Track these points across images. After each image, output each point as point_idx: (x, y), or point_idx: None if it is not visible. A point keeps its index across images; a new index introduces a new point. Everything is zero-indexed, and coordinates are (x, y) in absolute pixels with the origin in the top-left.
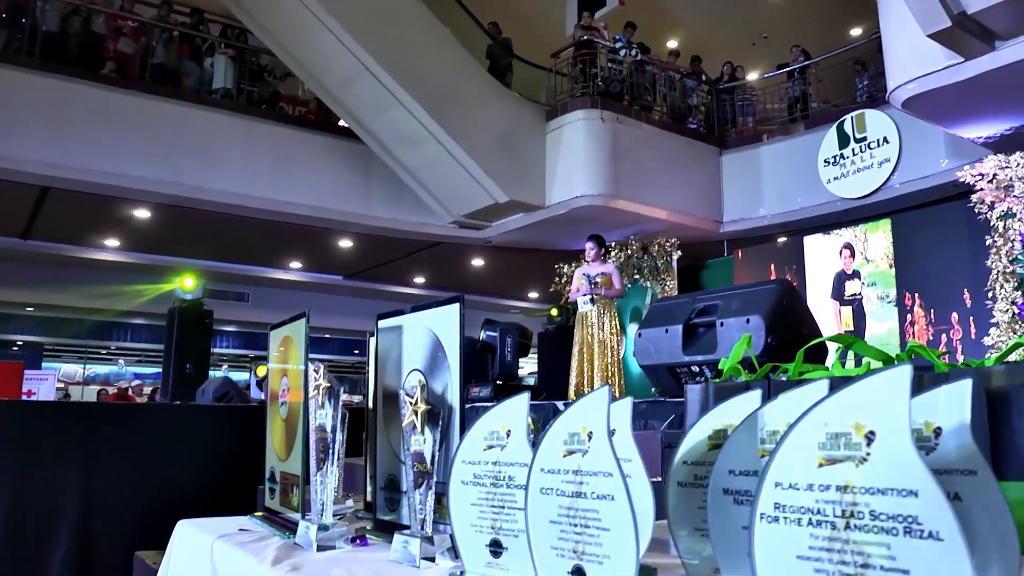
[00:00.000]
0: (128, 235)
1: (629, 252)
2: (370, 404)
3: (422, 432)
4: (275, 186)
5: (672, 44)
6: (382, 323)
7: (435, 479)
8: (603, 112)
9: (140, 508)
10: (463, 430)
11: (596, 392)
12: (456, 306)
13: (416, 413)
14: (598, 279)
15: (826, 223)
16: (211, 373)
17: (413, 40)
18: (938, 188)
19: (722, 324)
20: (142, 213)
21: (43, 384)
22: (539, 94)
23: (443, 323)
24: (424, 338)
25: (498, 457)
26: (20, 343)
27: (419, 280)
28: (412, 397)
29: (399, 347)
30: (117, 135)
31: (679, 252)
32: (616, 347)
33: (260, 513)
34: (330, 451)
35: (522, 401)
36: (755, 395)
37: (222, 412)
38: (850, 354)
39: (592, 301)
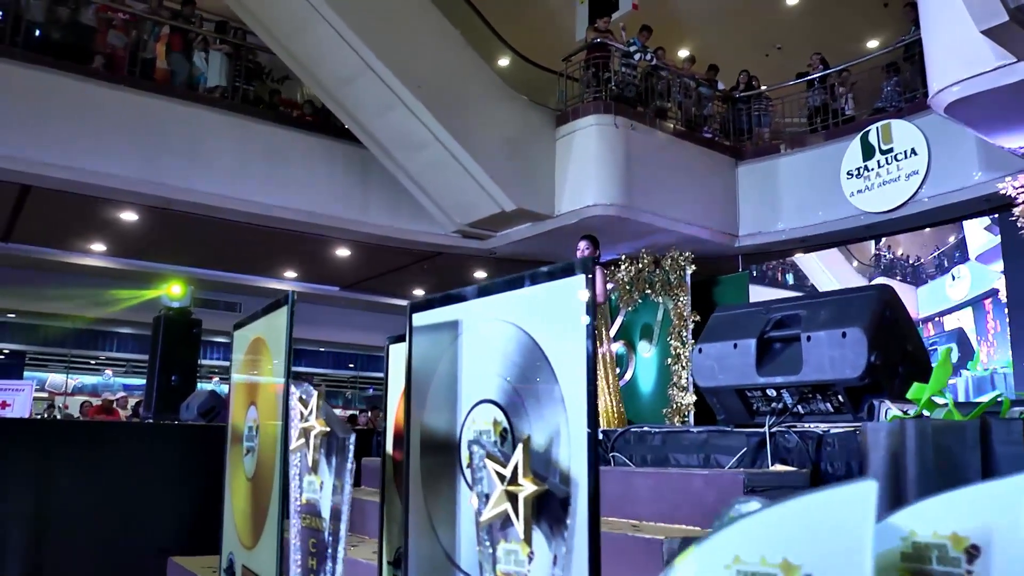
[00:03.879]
0: (114, 239)
1: (640, 266)
2: (388, 448)
3: (526, 540)
4: (268, 189)
5: (683, 54)
6: (421, 317)
7: None
8: (617, 117)
9: (102, 541)
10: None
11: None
12: (579, 278)
13: (512, 501)
14: None
15: (849, 238)
16: (199, 385)
17: (418, 38)
18: (970, 202)
19: (809, 338)
20: (128, 216)
21: (19, 395)
22: (548, 99)
23: (548, 315)
24: (507, 344)
25: None
26: (6, 352)
27: (418, 292)
28: (496, 459)
29: (452, 360)
30: (102, 132)
31: (693, 266)
32: (610, 362)
33: None
34: (327, 552)
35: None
36: None
37: (201, 432)
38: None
39: None
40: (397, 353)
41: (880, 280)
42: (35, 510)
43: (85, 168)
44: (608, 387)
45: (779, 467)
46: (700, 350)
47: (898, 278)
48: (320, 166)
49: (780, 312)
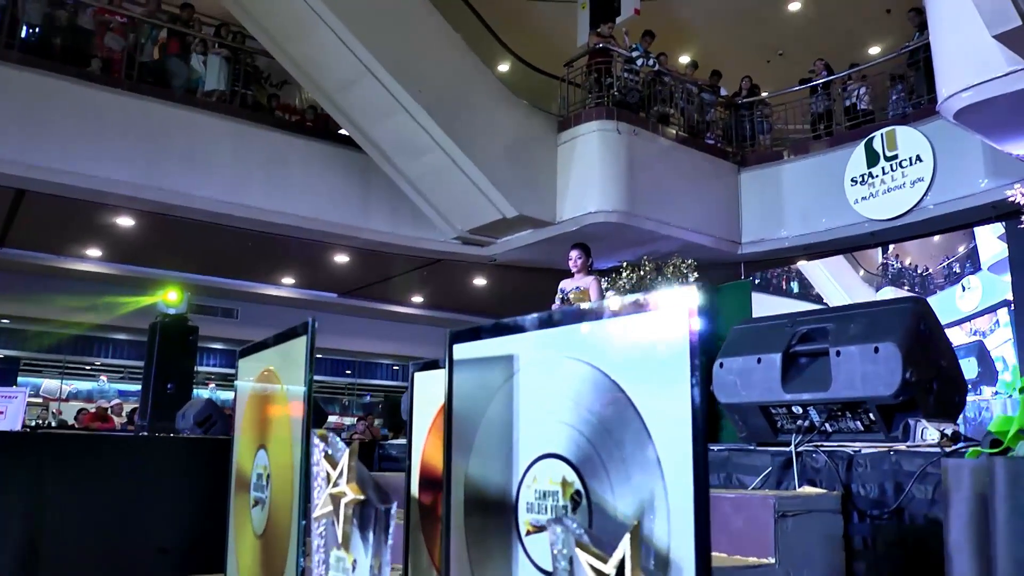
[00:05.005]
0: (110, 244)
1: (642, 273)
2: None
3: None
4: (267, 195)
5: (685, 60)
6: (465, 349)
7: None
8: (619, 123)
9: (95, 564)
10: None
11: None
12: (682, 308)
13: None
14: (571, 295)
15: (853, 245)
16: (195, 392)
17: (420, 42)
18: (977, 209)
19: (838, 353)
20: (125, 221)
21: (11, 403)
22: (550, 105)
23: (638, 354)
24: (579, 387)
25: None
26: (5, 357)
27: (417, 299)
28: (589, 549)
29: (506, 403)
30: (99, 136)
31: (695, 274)
32: None
33: None
34: None
35: None
36: None
37: (198, 446)
38: None
39: None
40: (424, 382)
41: (887, 290)
42: (24, 529)
43: (81, 172)
44: None
45: (808, 489)
46: (721, 364)
47: (906, 288)
48: (319, 171)
49: (806, 325)
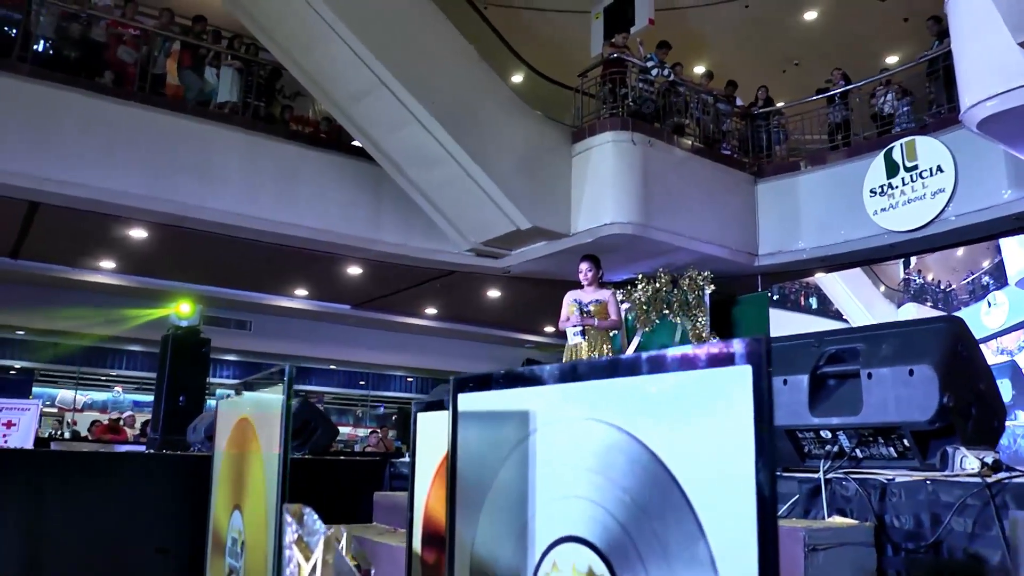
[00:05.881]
0: (124, 256)
1: (658, 285)
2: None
3: None
4: (278, 207)
5: (700, 70)
6: (471, 400)
7: None
8: (634, 134)
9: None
10: None
11: None
12: (744, 369)
13: None
14: (591, 307)
15: (872, 257)
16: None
17: (432, 53)
18: (999, 221)
19: (870, 376)
20: (137, 232)
21: (24, 415)
22: (563, 115)
23: (684, 423)
24: (610, 459)
25: None
26: (15, 369)
27: (431, 311)
28: None
29: (520, 469)
30: (111, 148)
31: (712, 286)
32: None
33: None
34: None
35: None
36: None
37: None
38: None
39: (583, 333)
40: (427, 424)
41: (910, 306)
42: (29, 548)
43: (92, 184)
44: None
45: (838, 519)
46: None
47: (928, 304)
48: (332, 183)
49: (835, 345)
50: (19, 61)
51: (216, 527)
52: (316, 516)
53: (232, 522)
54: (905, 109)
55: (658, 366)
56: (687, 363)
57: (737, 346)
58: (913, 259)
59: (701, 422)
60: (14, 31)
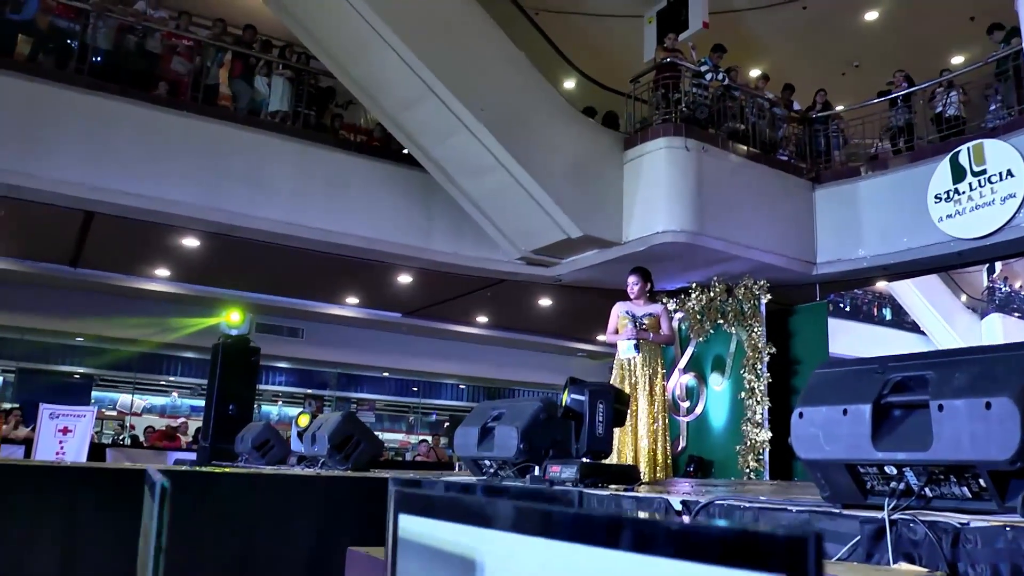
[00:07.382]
0: (177, 264)
1: (712, 294)
2: None
3: None
4: (328, 215)
5: (756, 73)
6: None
7: None
8: (688, 140)
9: None
10: None
11: None
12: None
13: None
14: (645, 321)
15: (937, 265)
16: (261, 409)
17: (482, 60)
18: None
19: (941, 407)
20: (190, 241)
21: (80, 421)
22: (615, 123)
23: None
24: None
25: None
26: (79, 374)
27: (482, 320)
28: None
29: None
30: (162, 157)
31: (768, 295)
32: (661, 403)
33: None
34: None
35: None
36: None
37: (245, 483)
38: None
39: (637, 347)
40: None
41: (994, 316)
42: (62, 567)
43: (145, 194)
44: (657, 431)
45: (906, 567)
46: (801, 415)
47: (1016, 315)
48: (382, 192)
49: (900, 372)
50: (76, 73)
51: None
52: None
53: None
54: (993, 107)
55: (682, 548)
56: (706, 554)
57: (766, 544)
58: (999, 266)
59: None
60: (75, 43)
